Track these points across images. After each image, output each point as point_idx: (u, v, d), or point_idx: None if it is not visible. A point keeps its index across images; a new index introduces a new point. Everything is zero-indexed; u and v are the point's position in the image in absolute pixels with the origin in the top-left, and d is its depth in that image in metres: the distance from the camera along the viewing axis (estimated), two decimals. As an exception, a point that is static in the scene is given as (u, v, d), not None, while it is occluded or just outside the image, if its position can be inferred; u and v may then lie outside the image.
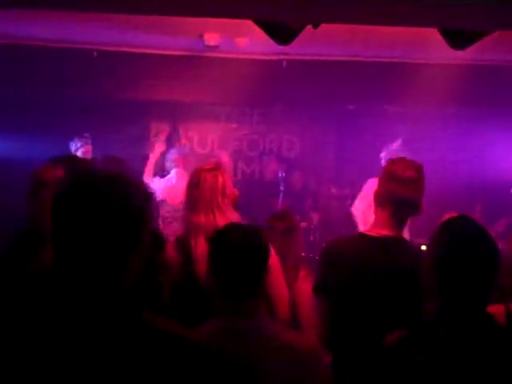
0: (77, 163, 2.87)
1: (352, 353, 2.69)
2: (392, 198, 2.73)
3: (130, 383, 1.35)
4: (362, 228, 4.50)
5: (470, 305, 1.94)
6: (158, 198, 5.89)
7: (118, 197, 1.44)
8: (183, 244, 3.05)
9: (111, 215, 1.41)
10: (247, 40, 6.60)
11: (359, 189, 6.24)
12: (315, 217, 7.16)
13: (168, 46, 7.18)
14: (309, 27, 4.42)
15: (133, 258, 1.45)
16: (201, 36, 6.61)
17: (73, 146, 6.53)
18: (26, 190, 2.71)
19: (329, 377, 2.34)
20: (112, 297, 1.41)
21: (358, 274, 2.70)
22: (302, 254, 6.63)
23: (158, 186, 6.28)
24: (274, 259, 2.96)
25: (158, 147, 6.96)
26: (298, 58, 7.34)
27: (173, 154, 6.86)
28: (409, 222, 2.89)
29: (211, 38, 6.62)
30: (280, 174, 7.22)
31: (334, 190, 7.93)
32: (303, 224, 6.96)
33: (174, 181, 6.55)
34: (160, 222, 5.92)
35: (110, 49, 7.08)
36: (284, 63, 7.39)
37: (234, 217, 3.06)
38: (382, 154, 6.14)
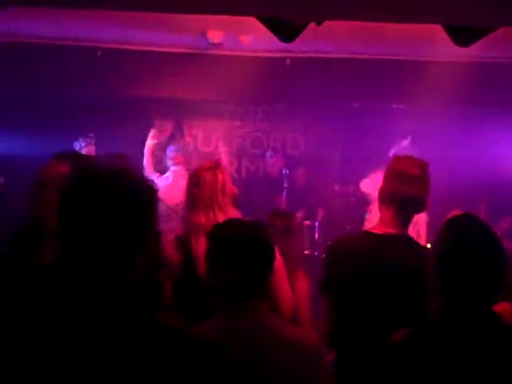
0: (81, 160, 2.86)
1: (357, 351, 2.68)
2: (397, 195, 2.73)
3: (138, 380, 1.34)
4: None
5: (475, 303, 1.94)
6: None
7: (125, 193, 1.43)
8: (184, 243, 3.04)
9: (118, 212, 1.41)
10: (251, 37, 6.60)
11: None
12: (319, 214, 7.16)
13: (172, 44, 7.17)
14: (312, 24, 4.41)
15: (139, 256, 1.45)
16: (204, 33, 6.60)
17: (77, 146, 6.55)
18: (30, 188, 2.71)
19: (330, 371, 2.33)
20: (119, 294, 1.40)
21: (363, 271, 2.70)
22: (306, 252, 6.70)
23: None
24: (277, 258, 2.96)
25: (152, 138, 6.94)
26: (301, 55, 7.33)
27: (171, 152, 6.88)
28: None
29: (215, 36, 6.61)
30: (284, 172, 7.21)
31: (338, 188, 7.92)
32: (307, 222, 6.97)
33: (170, 179, 6.56)
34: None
35: (114, 46, 7.07)
36: (288, 61, 7.38)
37: (234, 215, 3.05)
38: (391, 153, 6.13)
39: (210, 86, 7.40)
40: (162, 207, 6.13)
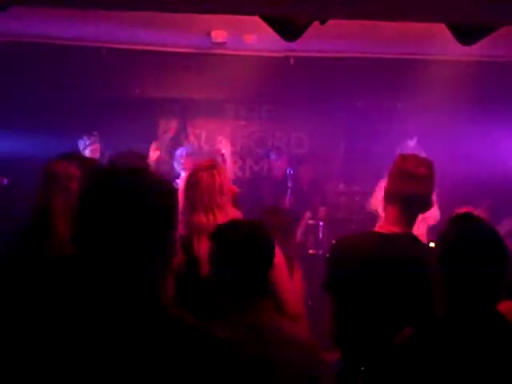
0: (88, 162, 2.88)
1: (362, 350, 2.69)
2: (403, 195, 2.73)
3: (155, 376, 1.34)
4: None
5: (478, 302, 1.94)
6: None
7: (146, 194, 1.42)
8: (186, 244, 3.05)
9: (139, 213, 1.40)
10: (255, 37, 6.60)
11: (368, 185, 6.22)
12: (323, 214, 7.16)
13: (176, 44, 7.18)
14: (316, 23, 4.41)
15: (160, 257, 1.44)
16: (208, 33, 6.61)
17: (81, 144, 6.53)
18: (35, 186, 2.72)
19: (327, 369, 2.34)
20: (139, 294, 1.40)
21: (367, 271, 2.70)
22: (310, 251, 6.70)
23: None
24: (279, 257, 2.96)
25: (154, 153, 6.43)
26: (305, 54, 7.32)
27: (180, 156, 6.72)
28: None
29: (219, 35, 6.61)
30: (288, 171, 7.21)
31: (342, 187, 7.92)
32: (311, 221, 6.97)
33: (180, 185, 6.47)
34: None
35: (118, 46, 7.08)
36: (292, 60, 7.38)
37: (234, 214, 3.05)
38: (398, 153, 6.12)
39: (213, 85, 7.41)
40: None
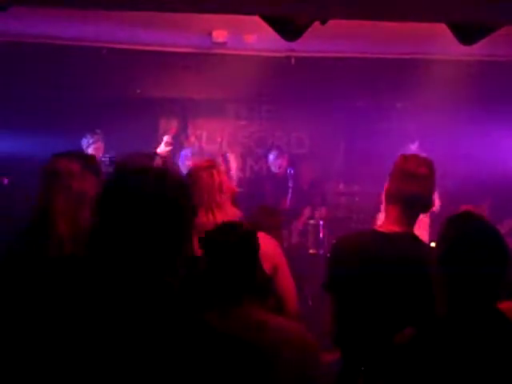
0: (90, 161, 2.87)
1: (362, 350, 2.68)
2: (404, 194, 2.73)
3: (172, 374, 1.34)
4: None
5: (478, 301, 1.94)
6: None
7: (166, 195, 1.42)
8: None
9: (158, 215, 1.40)
10: (255, 37, 6.60)
11: (368, 185, 6.22)
12: (324, 213, 7.16)
13: (176, 43, 7.18)
14: (316, 23, 4.42)
15: (179, 258, 1.44)
16: (209, 33, 6.61)
17: (84, 143, 6.50)
18: (36, 186, 2.72)
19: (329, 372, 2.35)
20: (161, 294, 1.40)
21: (368, 270, 2.69)
22: (311, 251, 6.70)
23: None
24: (281, 256, 2.96)
25: (166, 147, 6.22)
26: (306, 54, 7.32)
27: (185, 158, 6.67)
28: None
29: (219, 35, 6.61)
30: (288, 171, 7.21)
31: (342, 187, 7.92)
32: (312, 221, 6.97)
33: None
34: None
35: (119, 46, 7.08)
36: (292, 60, 7.38)
37: (234, 213, 3.05)
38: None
39: (214, 85, 7.41)
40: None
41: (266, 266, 2.83)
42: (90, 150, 6.36)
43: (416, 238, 2.80)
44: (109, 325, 1.35)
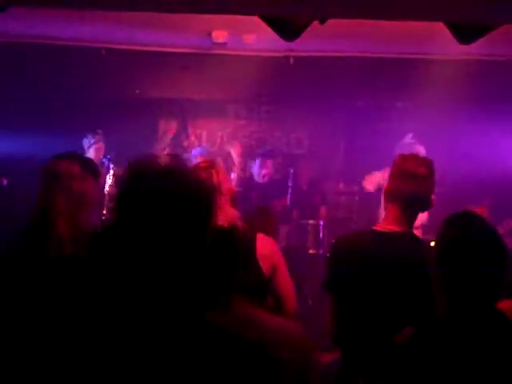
0: (89, 163, 2.87)
1: (362, 349, 2.69)
2: (403, 194, 2.73)
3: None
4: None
5: (477, 301, 1.94)
6: None
7: (186, 195, 1.40)
8: None
9: (179, 215, 1.37)
10: (255, 37, 6.60)
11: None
12: (324, 213, 7.16)
13: (176, 44, 7.18)
14: (315, 23, 4.42)
15: (198, 257, 1.42)
16: (209, 33, 6.61)
17: (86, 143, 6.48)
18: (35, 186, 2.72)
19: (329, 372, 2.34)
20: (182, 295, 1.38)
21: (367, 269, 2.70)
22: (311, 251, 6.70)
23: None
24: (279, 255, 2.96)
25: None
26: (305, 54, 7.32)
27: (197, 157, 6.64)
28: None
29: (219, 35, 6.61)
30: (288, 171, 7.21)
31: (342, 186, 7.93)
32: (311, 221, 6.97)
33: None
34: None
35: (118, 47, 7.08)
36: (292, 60, 7.38)
37: (233, 214, 3.04)
38: (397, 151, 6.12)
39: (214, 85, 7.41)
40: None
41: (265, 267, 2.83)
42: (92, 151, 6.35)
43: (416, 238, 2.81)
44: (111, 325, 1.34)
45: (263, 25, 4.50)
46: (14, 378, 1.35)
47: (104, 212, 4.50)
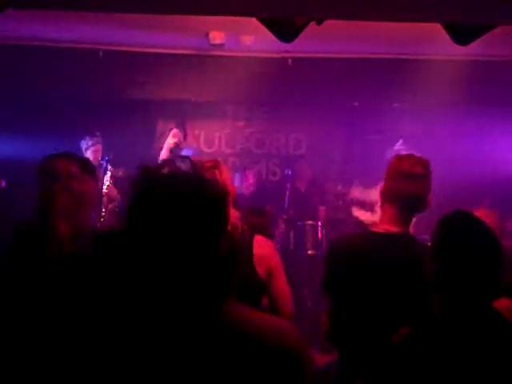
0: (86, 162, 2.88)
1: (359, 350, 2.69)
2: (400, 194, 2.73)
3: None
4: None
5: (473, 300, 1.94)
6: None
7: (201, 199, 1.39)
8: None
9: (194, 218, 1.37)
10: (252, 38, 6.61)
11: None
12: (322, 214, 7.16)
13: (174, 45, 7.19)
14: (313, 24, 4.42)
15: (212, 261, 1.41)
16: (206, 34, 6.62)
17: (83, 145, 6.47)
18: (35, 188, 2.72)
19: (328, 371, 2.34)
20: (197, 299, 1.38)
21: (364, 270, 2.70)
22: (310, 252, 6.70)
23: None
24: (276, 257, 2.96)
25: (174, 136, 6.34)
26: (303, 55, 7.34)
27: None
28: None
29: (216, 37, 6.62)
30: (287, 172, 7.21)
31: (340, 187, 7.92)
32: (310, 222, 6.96)
33: None
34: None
35: (115, 48, 7.09)
36: (289, 61, 7.39)
37: (233, 215, 3.04)
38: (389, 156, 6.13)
39: (212, 86, 7.41)
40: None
41: (261, 269, 2.83)
42: (89, 153, 6.35)
43: (412, 238, 2.81)
44: (113, 325, 1.34)
45: (260, 26, 4.51)
46: (15, 378, 1.35)
47: (103, 212, 4.49)
